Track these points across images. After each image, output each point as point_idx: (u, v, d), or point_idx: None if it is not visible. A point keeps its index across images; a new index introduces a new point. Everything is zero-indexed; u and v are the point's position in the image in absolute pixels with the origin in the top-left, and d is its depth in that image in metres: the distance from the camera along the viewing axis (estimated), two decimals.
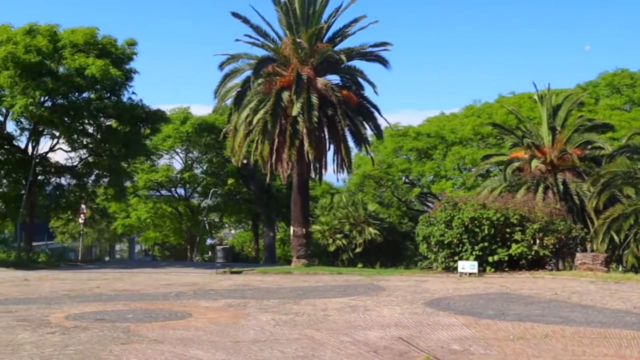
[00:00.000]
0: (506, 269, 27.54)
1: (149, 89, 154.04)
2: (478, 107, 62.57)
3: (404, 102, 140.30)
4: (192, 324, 14.06)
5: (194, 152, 60.37)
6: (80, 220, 44.64)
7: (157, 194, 58.85)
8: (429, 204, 52.74)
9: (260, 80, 35.52)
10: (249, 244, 67.44)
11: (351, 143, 37.09)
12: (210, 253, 60.80)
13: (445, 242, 28.03)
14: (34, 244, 50.13)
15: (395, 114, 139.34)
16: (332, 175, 37.86)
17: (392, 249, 44.17)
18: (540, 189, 37.86)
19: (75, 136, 40.27)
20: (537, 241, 27.54)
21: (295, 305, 17.27)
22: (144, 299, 19.31)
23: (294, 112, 33.65)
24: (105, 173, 42.35)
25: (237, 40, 36.39)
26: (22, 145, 40.45)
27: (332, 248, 40.51)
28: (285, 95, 34.41)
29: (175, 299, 19.19)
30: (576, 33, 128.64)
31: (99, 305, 17.61)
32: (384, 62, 37.13)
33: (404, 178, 59.49)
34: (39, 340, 12.14)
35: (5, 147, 39.22)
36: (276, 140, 34.69)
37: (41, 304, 17.86)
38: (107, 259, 65.42)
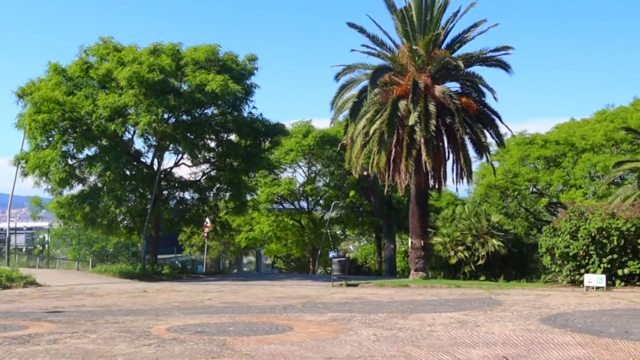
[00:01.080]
0: (638, 283, 25.69)
1: (273, 104, 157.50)
2: (611, 112, 59.38)
3: (534, 110, 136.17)
4: (289, 338, 13.66)
5: (317, 165, 60.44)
6: (204, 233, 45.46)
7: (280, 207, 59.26)
8: (558, 214, 50.44)
9: (376, 90, 34.96)
10: (372, 257, 66.82)
11: (472, 152, 35.92)
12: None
13: (570, 254, 26.49)
14: (163, 256, 51.72)
15: (526, 123, 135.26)
16: (452, 185, 36.70)
17: (518, 262, 42.30)
18: None
19: (197, 151, 41.03)
20: None
21: (401, 320, 16.58)
22: (250, 311, 19.14)
23: (411, 122, 32.88)
24: (226, 187, 42.94)
25: (352, 50, 36.07)
26: (148, 162, 41.63)
27: (453, 260, 39.17)
28: (402, 104, 33.68)
29: (281, 312, 18.89)
30: None
31: (205, 317, 17.55)
32: (505, 66, 35.78)
33: (531, 188, 57.19)
34: (133, 352, 12.07)
35: (134, 163, 40.41)
36: (393, 151, 33.99)
37: (149, 315, 18.00)
38: (235, 271, 66.56)
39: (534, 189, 57.87)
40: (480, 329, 14.81)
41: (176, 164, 42.77)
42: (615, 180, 45.69)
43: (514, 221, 53.07)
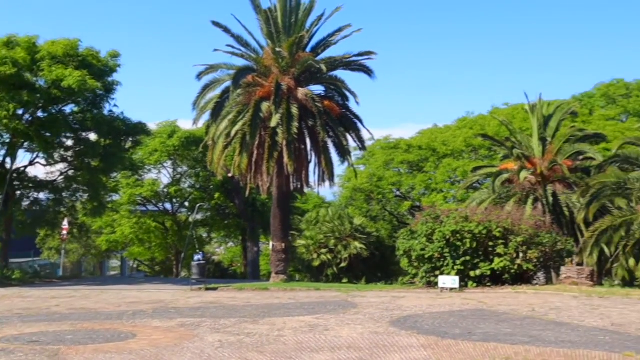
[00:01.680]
0: (489, 284, 26.49)
1: (139, 103, 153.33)
2: (471, 119, 61.48)
3: (402, 116, 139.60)
4: (129, 347, 13.02)
5: (182, 167, 59.25)
6: (62, 236, 43.54)
7: (143, 209, 57.70)
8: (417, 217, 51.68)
9: (239, 91, 34.48)
10: (238, 260, 66.25)
11: (335, 155, 36.01)
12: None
13: (426, 256, 27.01)
14: (18, 260, 49.03)
15: (394, 128, 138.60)
16: (316, 188, 36.69)
17: (380, 264, 42.96)
18: (530, 201, 36.75)
19: (52, 150, 39.12)
20: (521, 255, 26.52)
21: (252, 325, 16.22)
22: (97, 318, 18.25)
23: (273, 123, 32.62)
24: (84, 187, 41.22)
25: (215, 50, 35.23)
26: (0, 160, 39.39)
27: (316, 263, 39.34)
28: (265, 106, 33.37)
29: (129, 318, 18.11)
30: (573, 44, 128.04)
31: (45, 325, 16.57)
32: (368, 71, 36.12)
33: (395, 191, 58.34)
34: None
35: None
36: (255, 153, 33.62)
37: None
38: (98, 275, 64.24)
39: (398, 193, 58.99)
40: (328, 333, 14.65)
41: (31, 163, 40.59)
42: (474, 184, 47.11)
43: (378, 224, 53.89)
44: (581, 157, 39.20)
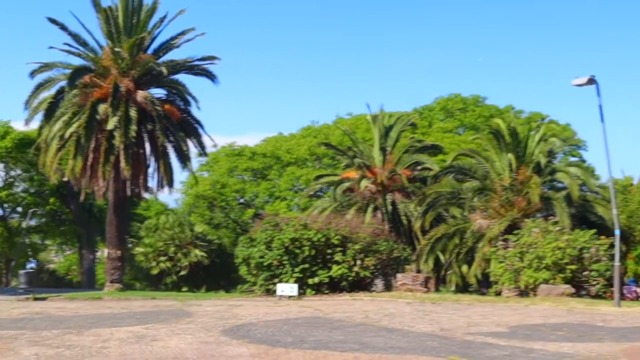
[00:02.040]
0: (327, 291, 26.54)
1: None
2: (316, 128, 62.21)
3: (249, 124, 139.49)
4: None
5: (16, 170, 56.17)
6: None
7: None
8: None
9: (75, 92, 32.92)
10: (75, 268, 63.60)
11: (176, 161, 35.13)
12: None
13: (265, 264, 26.74)
14: None
15: (242, 136, 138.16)
16: (156, 194, 35.69)
17: (221, 272, 42.39)
18: (370, 210, 37.42)
19: None
20: (358, 262, 26.76)
21: (76, 337, 15.20)
22: None
23: (110, 126, 31.36)
24: None
25: (50, 47, 33.53)
26: None
27: (155, 271, 38.28)
28: (102, 107, 32.06)
29: None
30: (415, 57, 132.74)
31: None
32: (211, 76, 35.57)
33: (238, 199, 58.03)
34: None
35: None
36: (90, 156, 32.21)
37: None
38: None
39: (242, 200, 58.66)
40: (156, 344, 13.95)
41: None
42: (317, 193, 47.47)
43: (220, 231, 53.27)
44: (419, 167, 40.37)
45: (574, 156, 63.77)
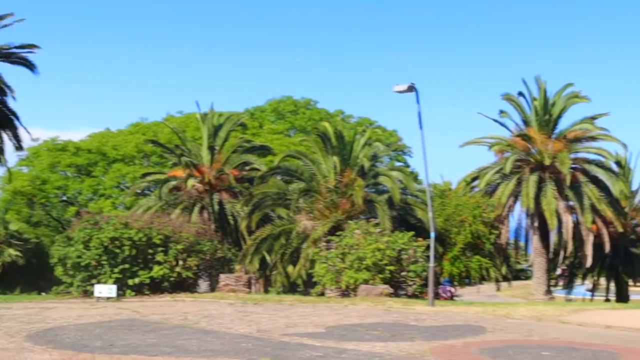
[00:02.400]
0: (148, 293, 25.77)
1: None
2: (145, 125, 60.68)
3: (77, 119, 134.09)
4: None
5: None
6: None
7: None
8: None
9: None
10: None
11: None
12: None
13: (83, 264, 25.58)
14: None
15: (69, 131, 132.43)
16: None
17: (39, 273, 40.30)
18: (197, 209, 36.88)
19: None
20: (181, 262, 26.19)
21: None
22: None
23: None
24: None
25: None
26: None
27: None
28: None
29: None
30: (248, 59, 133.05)
31: None
32: (30, 65, 33.79)
33: (61, 196, 55.48)
34: None
35: None
36: None
37: None
38: None
39: (64, 197, 56.13)
40: None
41: None
42: (144, 191, 46.30)
43: (39, 230, 50.68)
44: (248, 168, 40.23)
45: (399, 161, 66.15)
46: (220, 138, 40.34)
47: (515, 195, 39.02)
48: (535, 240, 39.43)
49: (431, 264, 22.17)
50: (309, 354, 12.19)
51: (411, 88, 20.70)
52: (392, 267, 25.46)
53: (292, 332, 15.28)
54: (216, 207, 37.44)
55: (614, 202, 40.19)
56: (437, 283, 31.52)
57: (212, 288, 29.54)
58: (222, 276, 27.43)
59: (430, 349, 12.77)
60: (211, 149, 39.59)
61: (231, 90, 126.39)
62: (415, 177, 51.88)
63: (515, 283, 67.57)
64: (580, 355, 12.43)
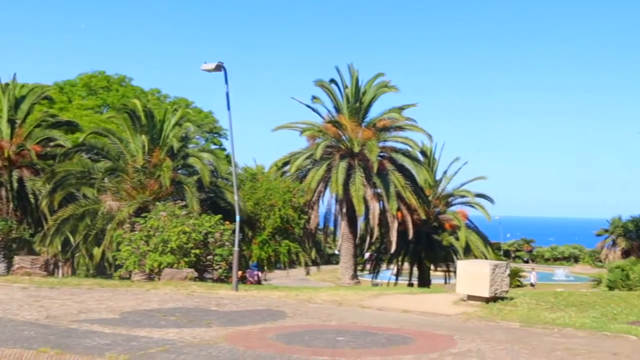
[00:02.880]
0: None
1: None
2: None
3: None
4: None
5: None
6: None
7: None
8: None
9: None
10: None
11: None
12: None
13: None
14: None
15: None
16: None
17: None
18: None
19: None
20: None
21: None
22: None
23: None
24: None
25: None
26: None
27: None
28: None
29: None
30: (58, 33, 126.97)
31: None
32: None
33: None
34: None
35: None
36: None
37: None
38: None
39: None
40: None
41: None
42: None
43: None
44: (52, 144, 38.29)
45: (215, 144, 65.71)
46: (22, 111, 38.06)
47: (326, 181, 39.80)
48: (343, 226, 40.44)
49: (236, 247, 21.96)
50: (97, 341, 11.57)
51: (219, 67, 20.24)
52: (197, 251, 25.06)
53: (83, 318, 14.53)
54: (15, 185, 35.29)
55: (418, 191, 41.99)
56: (246, 267, 31.48)
57: (8, 270, 27.81)
58: (16, 258, 25.80)
59: (226, 336, 12.54)
60: (11, 122, 37.25)
61: (41, 63, 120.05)
62: (228, 159, 51.58)
63: (325, 267, 69.40)
64: (374, 339, 12.67)
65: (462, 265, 19.13)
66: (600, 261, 62.48)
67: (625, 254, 48.71)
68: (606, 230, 53.33)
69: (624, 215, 53.60)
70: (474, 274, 18.40)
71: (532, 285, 59.23)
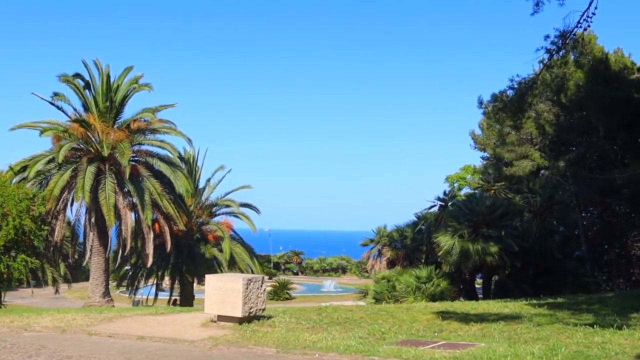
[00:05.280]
0: None
1: None
2: None
3: None
4: None
5: None
6: None
7: None
8: None
9: None
10: None
11: None
12: None
13: None
14: None
15: None
16: None
17: None
18: None
19: None
20: None
21: None
22: None
23: None
24: None
25: None
26: None
27: None
28: None
29: None
30: None
31: None
32: None
33: None
34: None
35: None
36: None
37: None
38: None
39: None
40: None
41: None
42: None
43: None
44: None
45: None
46: None
47: (72, 187, 35.34)
48: (92, 238, 36.06)
49: None
50: None
51: None
52: None
53: None
54: None
55: (178, 199, 38.78)
56: None
57: None
58: None
59: None
60: None
61: None
62: None
63: (86, 284, 63.81)
64: None
65: (211, 281, 16.10)
66: (367, 271, 62.65)
67: (391, 263, 48.50)
68: (372, 240, 53.09)
69: (389, 225, 53.98)
70: (225, 291, 15.55)
71: None
